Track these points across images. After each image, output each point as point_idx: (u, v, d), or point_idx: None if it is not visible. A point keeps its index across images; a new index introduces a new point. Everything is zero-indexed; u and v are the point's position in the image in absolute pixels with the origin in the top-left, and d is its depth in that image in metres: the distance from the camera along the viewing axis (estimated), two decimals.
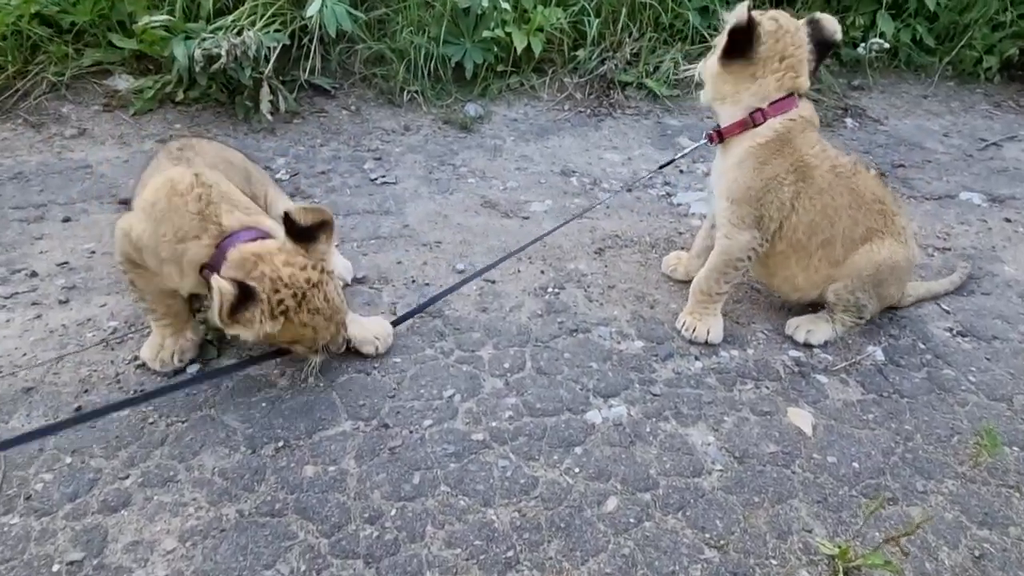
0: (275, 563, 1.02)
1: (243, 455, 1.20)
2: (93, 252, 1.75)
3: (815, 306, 1.69)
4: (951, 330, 1.72)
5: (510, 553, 1.06)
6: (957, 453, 1.33)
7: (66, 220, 1.88)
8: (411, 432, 1.27)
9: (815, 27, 1.45)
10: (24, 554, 1.01)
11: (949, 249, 2.12)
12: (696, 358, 1.55)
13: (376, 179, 2.27)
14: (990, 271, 1.99)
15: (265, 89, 2.42)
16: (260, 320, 1.17)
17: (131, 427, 1.24)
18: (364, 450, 1.22)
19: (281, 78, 2.60)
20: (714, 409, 1.40)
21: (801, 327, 1.64)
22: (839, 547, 1.07)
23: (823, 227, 1.51)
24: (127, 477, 1.14)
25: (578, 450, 1.26)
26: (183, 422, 1.25)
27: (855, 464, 1.29)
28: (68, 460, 1.17)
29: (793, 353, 1.60)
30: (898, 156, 2.76)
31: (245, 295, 1.15)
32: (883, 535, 1.14)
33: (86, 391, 1.30)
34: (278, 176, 2.24)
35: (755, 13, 1.39)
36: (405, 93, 2.72)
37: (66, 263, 1.70)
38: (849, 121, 3.01)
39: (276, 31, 2.49)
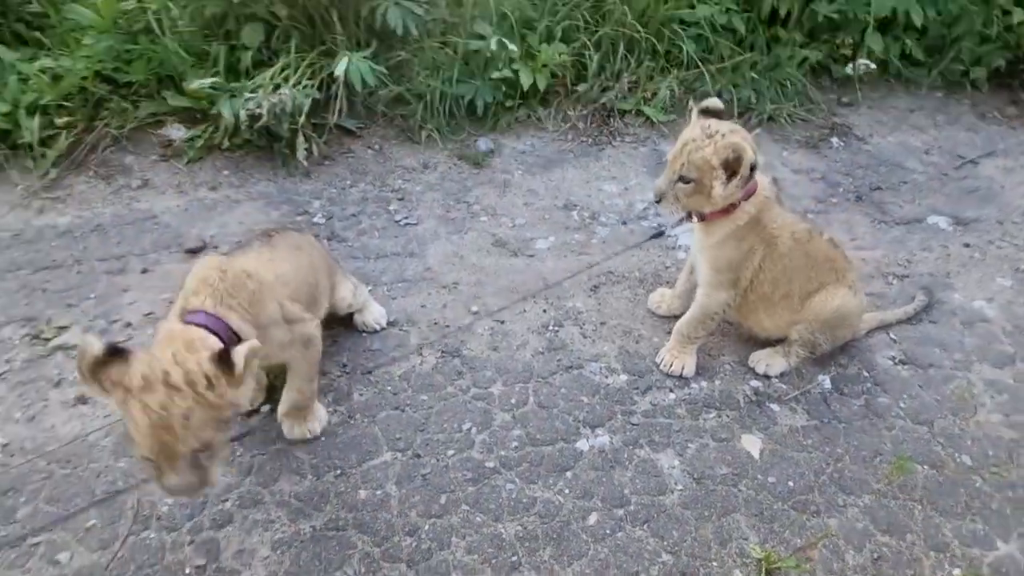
0: (342, 566, 1.39)
1: (311, 481, 1.57)
2: (171, 301, 2.12)
3: (781, 340, 1.99)
4: (894, 358, 2.01)
5: (514, 558, 1.42)
6: (876, 472, 1.65)
7: (144, 271, 2.25)
8: (438, 460, 1.62)
9: (712, 112, 1.72)
10: (163, 560, 1.40)
11: (908, 276, 2.39)
12: (670, 390, 1.88)
13: (400, 220, 2.59)
14: (941, 299, 2.25)
15: (300, 138, 2.74)
16: (108, 387, 1.13)
17: (225, 460, 1.61)
18: (402, 476, 1.58)
19: (312, 121, 2.91)
20: (681, 436, 1.73)
21: (761, 360, 1.95)
22: (766, 552, 1.41)
23: (783, 283, 1.81)
24: (227, 500, 1.52)
25: (568, 474, 1.61)
26: (263, 455, 1.62)
27: (790, 483, 1.61)
28: None
29: (753, 383, 1.91)
30: (877, 178, 2.98)
31: (117, 358, 1.14)
32: (803, 542, 1.47)
33: None
34: (315, 220, 2.58)
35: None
36: (423, 131, 3.02)
37: (151, 312, 2.07)
38: (835, 140, 3.22)
39: (307, 85, 2.79)
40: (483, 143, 3.04)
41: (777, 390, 1.89)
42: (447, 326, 2.07)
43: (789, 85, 3.32)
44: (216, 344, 1.23)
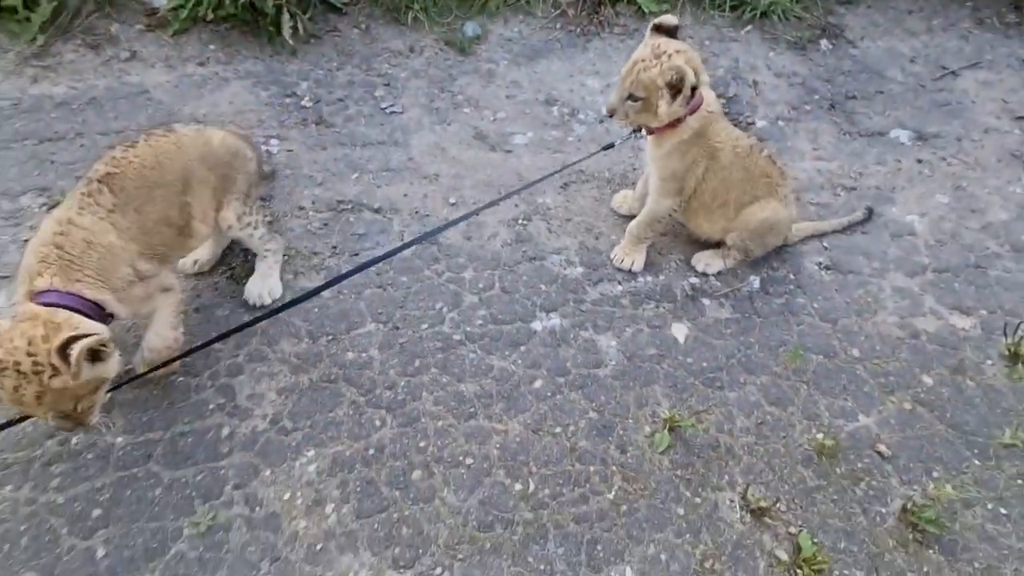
0: (334, 409, 1.74)
1: (307, 344, 1.87)
2: None
3: (720, 243, 2.23)
4: (820, 264, 2.27)
5: (472, 410, 1.77)
6: (778, 359, 1.98)
7: None
8: (414, 332, 1.93)
9: (665, 29, 1.81)
10: (190, 399, 1.74)
11: (855, 189, 2.58)
12: (619, 283, 2.15)
13: (386, 108, 2.68)
14: (879, 211, 2.47)
15: (285, 15, 2.72)
16: None
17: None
18: (383, 343, 1.89)
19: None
20: (621, 323, 2.03)
21: (702, 260, 2.20)
22: (671, 413, 1.77)
23: (721, 193, 2.01)
24: (238, 355, 1.83)
25: (522, 348, 1.93)
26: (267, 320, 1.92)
27: (704, 363, 1.95)
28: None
29: (693, 280, 2.19)
30: (855, 86, 3.03)
31: None
32: (704, 408, 1.83)
33: (199, 300, 1.95)
34: (303, 103, 2.66)
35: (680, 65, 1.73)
36: (409, 12, 2.97)
37: None
38: (823, 43, 3.21)
39: None
40: (470, 27, 3.02)
41: (712, 287, 2.18)
42: (427, 215, 2.28)
43: None
44: (77, 327, 1.30)
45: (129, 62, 2.67)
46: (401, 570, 1.47)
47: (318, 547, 1.48)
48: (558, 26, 3.11)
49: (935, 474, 1.75)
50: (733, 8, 3.18)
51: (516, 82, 2.86)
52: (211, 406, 1.70)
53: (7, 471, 1.55)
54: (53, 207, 2.12)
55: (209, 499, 1.52)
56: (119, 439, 1.62)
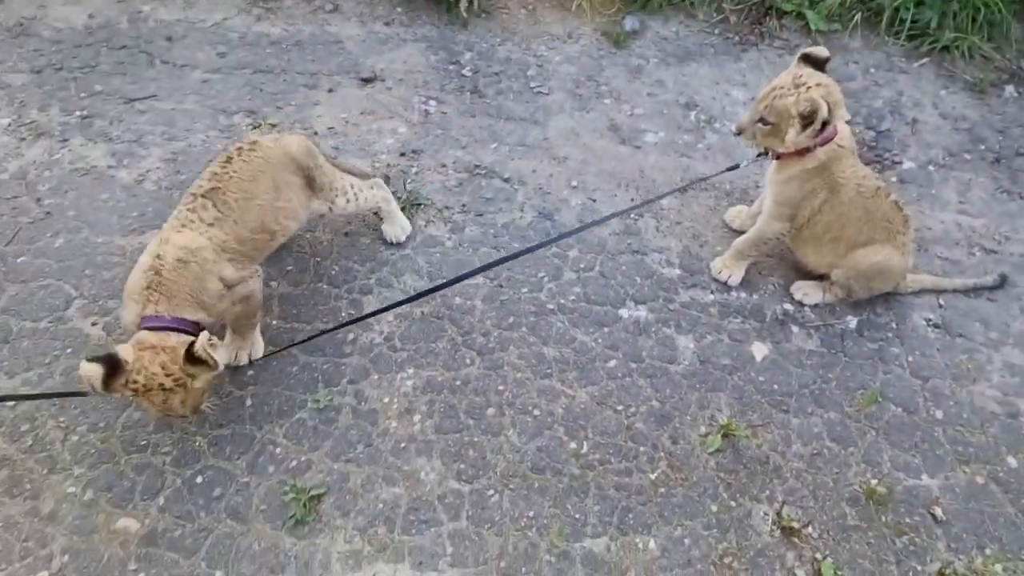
0: (437, 340, 2.05)
1: (425, 281, 2.20)
2: (347, 121, 2.70)
3: (824, 276, 2.24)
4: (929, 320, 2.21)
5: (548, 371, 2.01)
6: (853, 400, 2.00)
7: (330, 91, 2.82)
8: (514, 292, 2.19)
9: (813, 60, 1.83)
10: (328, 304, 2.13)
11: (996, 252, 2.42)
12: (712, 292, 2.25)
13: (534, 87, 2.90)
14: (1014, 281, 2.31)
15: None
16: (120, 389, 1.47)
17: (371, 256, 2.27)
18: (487, 296, 2.17)
19: None
20: (704, 328, 2.15)
21: (801, 289, 2.23)
22: (729, 421, 1.88)
23: (835, 228, 2.03)
24: (371, 278, 2.20)
25: (605, 329, 2.12)
26: (394, 255, 2.26)
27: (775, 386, 2.02)
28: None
29: (787, 306, 2.23)
30: None
31: (116, 367, 1.46)
32: (762, 424, 1.92)
33: (348, 227, 2.34)
34: (463, 72, 2.95)
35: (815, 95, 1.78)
36: (575, 0, 3.14)
37: (332, 128, 2.67)
38: (1009, 89, 2.95)
39: None
40: (630, 21, 3.13)
41: (805, 317, 2.21)
42: (548, 193, 2.51)
43: (984, 13, 2.97)
44: (185, 341, 1.52)
45: (331, 14, 3.12)
46: (461, 482, 1.77)
47: (402, 445, 1.81)
48: (716, 31, 3.13)
49: (988, 551, 1.73)
50: (911, 37, 3.00)
51: (661, 81, 2.96)
52: (343, 314, 2.09)
53: None
54: (256, 127, 2.62)
55: (329, 385, 1.91)
56: (274, 322, 2.05)
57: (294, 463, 1.74)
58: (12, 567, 1.51)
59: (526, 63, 3.02)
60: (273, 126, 2.61)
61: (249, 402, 1.84)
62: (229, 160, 1.79)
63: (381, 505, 1.70)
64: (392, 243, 2.27)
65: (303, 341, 1.88)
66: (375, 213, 2.27)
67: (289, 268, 2.15)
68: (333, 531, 1.65)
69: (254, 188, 1.77)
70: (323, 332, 1.92)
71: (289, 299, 2.10)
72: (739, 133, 1.95)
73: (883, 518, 1.78)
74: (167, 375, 1.48)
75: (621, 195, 2.53)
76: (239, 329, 1.85)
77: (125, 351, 1.49)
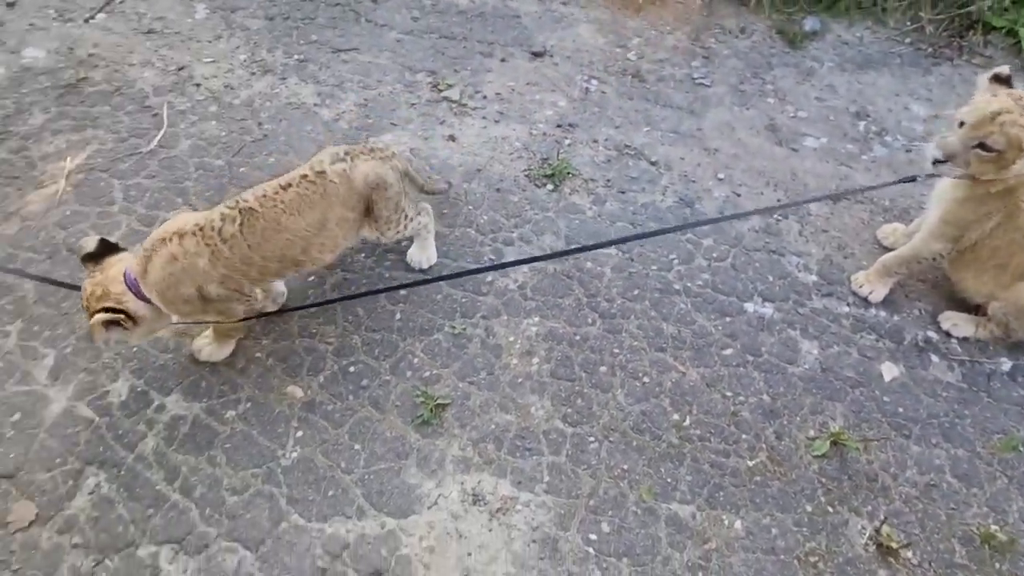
0: (564, 296, 2.21)
1: (562, 242, 2.37)
2: (513, 90, 2.92)
3: (979, 308, 2.09)
4: None
5: (663, 346, 2.10)
6: (987, 442, 1.88)
7: (502, 60, 3.06)
8: (643, 268, 2.29)
9: (1002, 80, 1.74)
10: (474, 249, 2.38)
11: None
12: (848, 304, 2.19)
13: (696, 78, 2.93)
14: None
15: None
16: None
17: (517, 212, 2.48)
18: (616, 267, 2.29)
19: None
20: (832, 338, 2.11)
21: (951, 319, 2.10)
22: (840, 430, 1.86)
23: (1002, 254, 1.89)
24: (513, 232, 2.40)
25: (727, 319, 2.15)
26: (538, 216, 2.45)
27: (900, 409, 1.95)
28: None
29: (930, 334, 2.12)
30: None
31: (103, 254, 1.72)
32: (877, 441, 1.87)
33: (501, 183, 2.56)
34: (628, 56, 3.05)
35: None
36: None
37: (499, 94, 2.91)
38: None
39: None
40: (810, 22, 3.03)
41: (950, 349, 2.08)
42: (693, 181, 2.56)
43: None
44: (120, 301, 1.67)
45: None
46: (566, 424, 1.93)
47: (519, 380, 2.01)
48: (907, 41, 2.94)
49: None
50: None
51: (832, 86, 2.85)
52: (484, 259, 2.32)
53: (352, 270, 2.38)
54: (436, 86, 2.92)
55: (465, 316, 2.15)
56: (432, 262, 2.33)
57: (427, 374, 2.00)
58: (212, 401, 1.92)
59: (692, 53, 3.05)
60: (449, 86, 2.90)
61: (398, 316, 2.13)
62: (286, 187, 1.78)
63: (493, 426, 1.91)
64: (415, 268, 2.22)
65: (450, 277, 2.13)
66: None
67: (445, 211, 2.41)
68: (451, 437, 1.89)
69: (292, 223, 1.76)
70: (468, 272, 2.17)
71: (440, 237, 2.36)
72: (946, 160, 1.82)
73: (997, 565, 1.68)
74: (91, 296, 1.68)
75: (768, 194, 2.51)
76: (215, 330, 1.92)
77: (119, 262, 1.71)
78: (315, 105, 2.81)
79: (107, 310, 1.65)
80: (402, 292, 2.18)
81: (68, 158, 2.52)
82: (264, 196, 1.76)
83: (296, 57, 3.02)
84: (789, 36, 3.02)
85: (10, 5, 3.19)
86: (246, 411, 1.91)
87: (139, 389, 1.93)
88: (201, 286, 1.72)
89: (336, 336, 2.07)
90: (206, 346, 1.97)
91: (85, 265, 1.72)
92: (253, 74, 2.94)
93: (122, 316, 1.66)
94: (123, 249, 1.77)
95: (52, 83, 2.80)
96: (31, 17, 3.12)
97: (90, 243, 1.72)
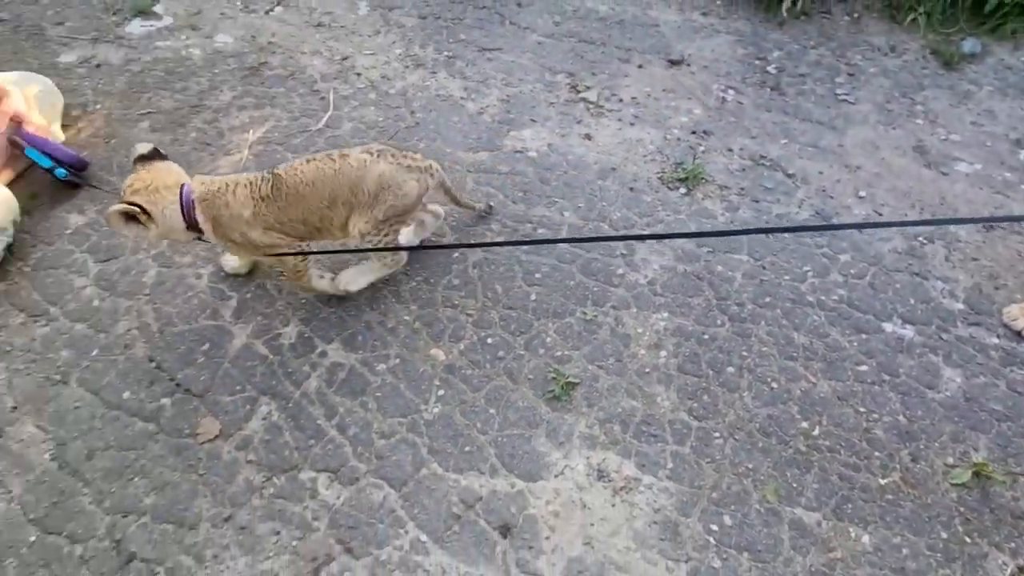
0: (693, 296, 2.26)
1: (692, 247, 2.42)
2: (649, 95, 3.01)
3: None
4: None
5: (794, 354, 2.10)
6: None
7: (640, 66, 3.15)
8: (775, 277, 2.29)
9: None
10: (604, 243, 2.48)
11: None
12: (998, 336, 2.10)
13: (839, 94, 2.89)
14: None
15: None
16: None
17: (648, 212, 2.55)
18: (748, 273, 2.31)
19: None
20: (978, 368, 2.03)
21: None
22: (984, 462, 1.79)
23: None
24: (644, 230, 2.48)
25: (863, 336, 2.12)
26: (668, 216, 2.51)
27: None
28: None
29: None
30: None
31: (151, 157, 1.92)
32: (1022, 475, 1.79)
33: (634, 183, 2.65)
34: (768, 69, 3.05)
35: None
36: (910, 13, 3.00)
37: (635, 99, 3.00)
38: None
39: None
40: (969, 44, 2.90)
41: None
42: (831, 196, 2.53)
43: None
44: (155, 204, 1.82)
45: (656, 2, 3.44)
46: (691, 418, 1.98)
47: (646, 370, 2.09)
48: None
49: None
50: None
51: (991, 111, 2.72)
52: (616, 254, 2.41)
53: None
54: (574, 87, 3.06)
55: (596, 304, 2.25)
56: (562, 245, 2.46)
57: (558, 353, 2.12)
58: (365, 353, 2.14)
59: (836, 69, 3.00)
60: (587, 87, 3.02)
61: (533, 297, 2.26)
62: (309, 161, 1.94)
63: (620, 410, 2.00)
64: (338, 288, 2.20)
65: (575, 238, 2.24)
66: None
67: (580, 205, 2.53)
68: (579, 414, 1.99)
69: (308, 193, 1.91)
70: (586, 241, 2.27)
71: (575, 229, 2.48)
72: None
73: None
74: (122, 192, 1.84)
75: (912, 216, 2.44)
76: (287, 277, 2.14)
77: (170, 173, 1.88)
78: (461, 98, 3.02)
79: (131, 204, 1.78)
80: (537, 275, 2.31)
81: (251, 131, 2.86)
82: (292, 167, 1.93)
83: (445, 54, 3.25)
84: (945, 57, 2.91)
85: None
86: (394, 366, 2.10)
87: (305, 335, 2.17)
88: (245, 232, 1.90)
89: (476, 309, 2.23)
90: (345, 275, 2.17)
91: (135, 166, 1.88)
92: (407, 67, 3.20)
93: (140, 212, 1.78)
94: (168, 159, 1.94)
95: (238, 65, 3.18)
96: (223, 7, 3.55)
97: (143, 147, 1.90)
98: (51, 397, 2.05)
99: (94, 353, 2.14)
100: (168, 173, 1.88)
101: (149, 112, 2.94)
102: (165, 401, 2.03)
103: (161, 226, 1.84)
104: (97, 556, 1.76)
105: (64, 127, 2.84)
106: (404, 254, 2.23)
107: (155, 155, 1.90)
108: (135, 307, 2.25)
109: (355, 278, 2.19)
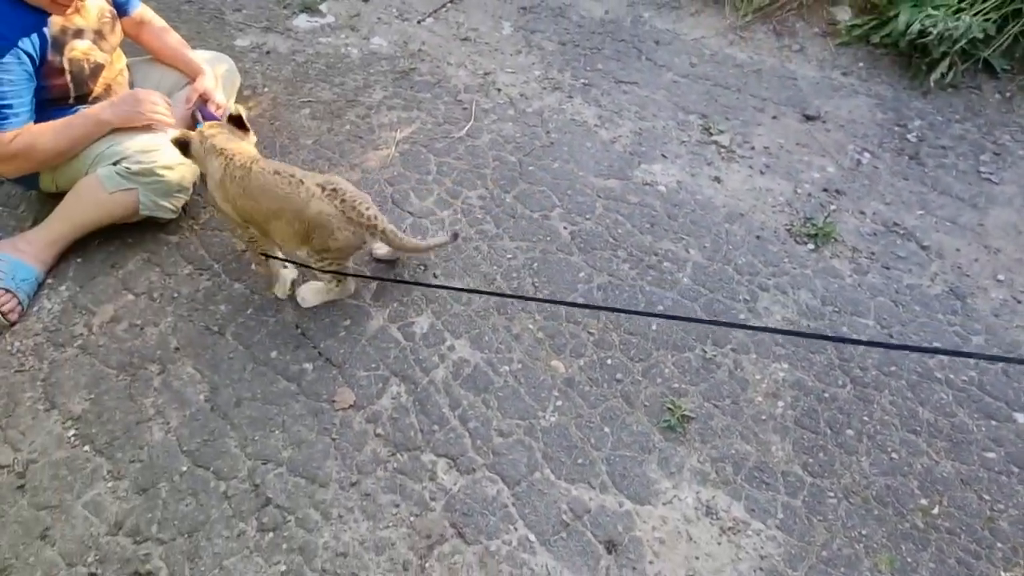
0: (815, 354, 2.27)
1: (813, 303, 2.43)
2: (782, 147, 3.03)
3: None
4: None
5: (918, 428, 2.07)
6: None
7: (774, 117, 3.18)
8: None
9: None
10: (727, 285, 2.52)
11: None
12: None
13: (983, 173, 2.83)
14: None
15: (945, 63, 3.04)
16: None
17: (775, 261, 2.58)
18: (874, 339, 2.29)
19: (963, 47, 3.12)
20: None
21: None
22: None
23: None
24: (770, 280, 2.51)
25: (993, 423, 2.07)
26: (795, 268, 2.53)
27: None
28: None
29: None
30: None
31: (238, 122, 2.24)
32: None
33: (762, 231, 2.68)
34: (908, 136, 3.02)
35: None
36: None
37: (767, 148, 3.03)
38: None
39: (989, 14, 2.95)
40: None
41: None
42: (967, 275, 2.48)
43: None
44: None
45: (796, 53, 3.47)
46: (806, 473, 1.99)
47: (762, 418, 2.11)
48: None
49: None
50: None
51: None
52: (740, 299, 2.45)
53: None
54: (707, 129, 3.13)
55: (716, 344, 2.29)
56: (685, 279, 2.52)
57: (675, 385, 2.17)
58: (490, 354, 2.26)
59: (982, 147, 2.94)
60: (720, 131, 3.09)
61: (654, 327, 2.33)
62: (276, 173, 2.05)
63: (733, 451, 2.03)
64: (285, 292, 2.38)
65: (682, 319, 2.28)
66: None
67: (705, 245, 2.59)
68: (691, 448, 2.04)
69: (260, 198, 2.06)
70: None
71: (699, 268, 2.54)
72: None
73: None
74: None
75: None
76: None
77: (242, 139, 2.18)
78: (595, 125, 3.14)
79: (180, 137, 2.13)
80: (660, 307, 2.38)
81: (398, 130, 3.07)
82: (263, 166, 2.06)
83: (582, 81, 3.39)
84: None
85: (365, 1, 3.95)
86: (516, 370, 2.21)
87: (437, 327, 2.32)
88: (212, 190, 2.13)
89: (598, 329, 2.32)
90: (303, 289, 2.34)
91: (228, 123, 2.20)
92: (544, 89, 3.35)
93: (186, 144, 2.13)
94: (248, 128, 2.21)
95: (390, 68, 3.43)
96: (379, 12, 3.83)
97: (237, 109, 2.21)
98: (209, 345, 2.27)
99: (248, 312, 2.36)
100: (225, 132, 2.17)
101: (309, 101, 3.21)
102: (307, 366, 2.21)
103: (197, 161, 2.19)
104: (238, 495, 1.94)
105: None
106: (351, 284, 2.36)
107: (239, 121, 2.19)
108: (287, 276, 2.46)
109: (310, 295, 2.34)
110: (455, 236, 2.36)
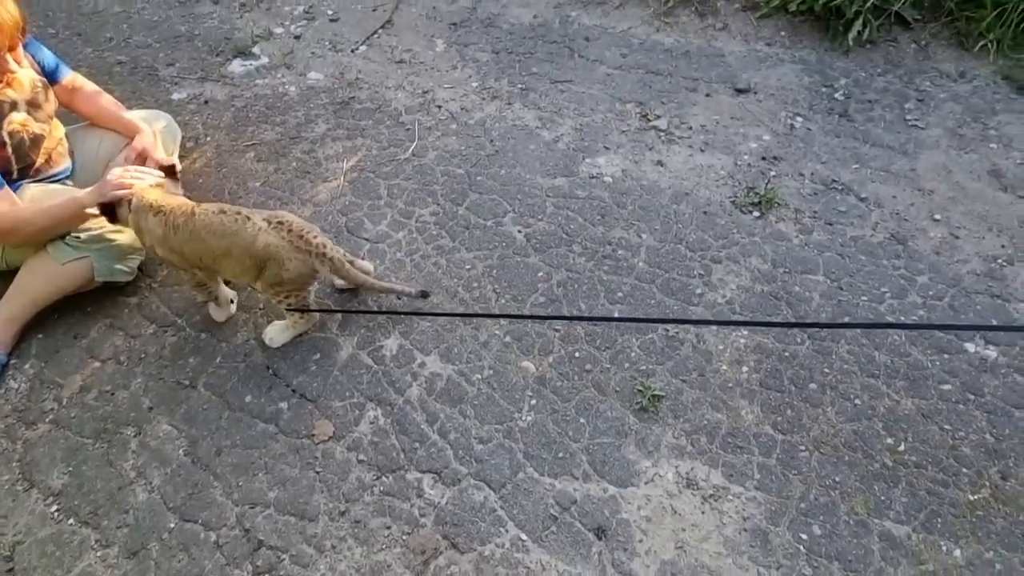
0: (771, 316, 2.35)
1: (768, 267, 2.51)
2: (718, 123, 3.13)
3: None
4: None
5: (876, 373, 2.15)
6: None
7: (707, 95, 3.28)
8: (852, 297, 2.36)
9: None
10: (680, 263, 2.60)
11: None
12: None
13: (909, 120, 2.95)
14: None
15: (859, 21, 3.17)
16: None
17: (724, 234, 2.66)
18: (825, 294, 2.38)
19: (875, 3, 3.25)
20: None
21: None
22: None
23: None
24: (721, 252, 2.59)
25: (945, 356, 2.17)
26: (743, 238, 2.61)
27: None
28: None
29: None
30: None
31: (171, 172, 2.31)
32: None
33: (708, 207, 2.76)
34: (835, 96, 3.14)
35: None
36: (980, 40, 3.06)
37: (704, 126, 3.13)
38: None
39: None
40: None
41: None
42: (906, 220, 2.59)
43: None
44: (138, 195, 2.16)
45: (720, 31, 3.58)
46: (776, 431, 2.06)
47: (729, 385, 2.18)
48: None
49: None
50: None
51: None
52: (694, 274, 2.52)
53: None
54: (644, 116, 3.22)
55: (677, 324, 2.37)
56: (640, 264, 2.58)
57: (643, 367, 2.24)
58: (461, 365, 2.30)
59: (905, 96, 3.07)
60: (657, 116, 3.17)
61: (616, 314, 2.40)
62: (223, 211, 2.08)
63: (705, 422, 2.09)
64: (263, 340, 2.38)
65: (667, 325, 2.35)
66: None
67: (656, 228, 2.66)
68: (665, 426, 2.10)
69: (208, 239, 2.09)
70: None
71: (652, 251, 2.61)
72: None
73: None
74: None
75: (990, 239, 2.48)
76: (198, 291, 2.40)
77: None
78: (537, 128, 3.21)
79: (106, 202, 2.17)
80: (619, 294, 2.45)
81: (344, 160, 3.11)
82: (207, 209, 2.09)
83: (519, 86, 3.47)
84: (1018, 82, 2.94)
85: (296, 38, 3.99)
86: (488, 377, 2.26)
87: (405, 347, 2.35)
88: (152, 246, 2.17)
89: (562, 325, 2.38)
90: (269, 330, 2.38)
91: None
92: (483, 99, 3.42)
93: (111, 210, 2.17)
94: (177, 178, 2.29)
95: (330, 100, 3.47)
96: (312, 47, 3.87)
97: (168, 161, 2.36)
98: (182, 399, 2.28)
99: (218, 360, 2.37)
100: (158, 190, 2.21)
101: (253, 144, 3.24)
102: (283, 405, 2.24)
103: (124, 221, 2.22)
104: (230, 542, 1.95)
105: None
106: (315, 314, 2.39)
107: (171, 171, 2.28)
108: (251, 319, 2.48)
109: (276, 335, 2.37)
110: (424, 294, 2.40)
